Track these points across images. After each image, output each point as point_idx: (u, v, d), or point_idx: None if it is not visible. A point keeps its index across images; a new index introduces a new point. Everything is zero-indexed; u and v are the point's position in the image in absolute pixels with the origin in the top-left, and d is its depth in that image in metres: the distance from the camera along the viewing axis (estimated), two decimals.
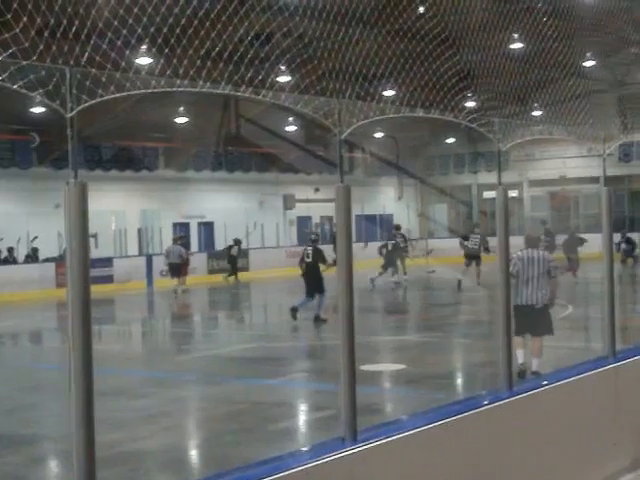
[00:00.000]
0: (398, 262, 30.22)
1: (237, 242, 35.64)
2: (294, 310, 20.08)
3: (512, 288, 10.46)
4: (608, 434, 7.49)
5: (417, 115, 7.03)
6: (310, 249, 20.54)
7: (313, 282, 20.08)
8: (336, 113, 5.36)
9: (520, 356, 12.00)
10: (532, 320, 11.99)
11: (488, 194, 45.44)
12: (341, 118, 5.43)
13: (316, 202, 43.50)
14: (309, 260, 20.35)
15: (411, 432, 5.42)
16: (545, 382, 7.02)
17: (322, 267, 19.96)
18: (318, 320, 19.64)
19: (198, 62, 5.89)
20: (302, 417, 11.78)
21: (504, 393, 6.44)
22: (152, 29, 5.71)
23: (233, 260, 35.37)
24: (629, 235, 37.93)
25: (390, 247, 29.90)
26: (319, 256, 20.16)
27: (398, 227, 32.32)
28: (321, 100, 5.54)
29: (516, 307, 11.45)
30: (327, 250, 19.81)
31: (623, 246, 36.28)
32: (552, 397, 6.88)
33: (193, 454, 10.25)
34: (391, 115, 6.43)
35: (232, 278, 34.73)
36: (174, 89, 5.07)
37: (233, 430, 10.46)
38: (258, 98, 5.83)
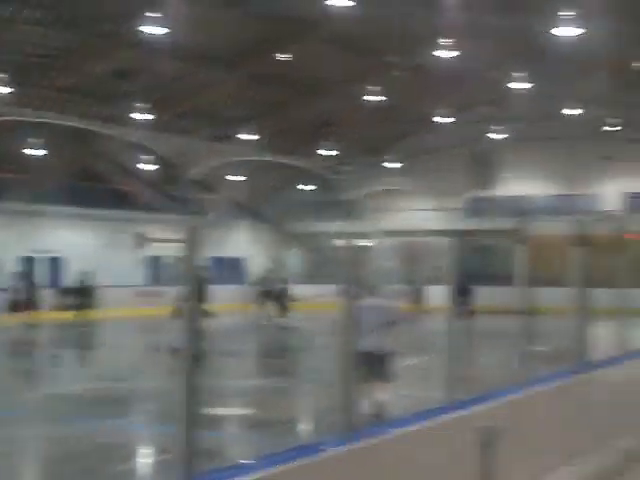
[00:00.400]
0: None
1: (84, 276, 34.86)
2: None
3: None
4: None
5: (270, 160, 7.10)
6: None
7: None
8: (188, 153, 5.36)
9: (365, 406, 12.01)
10: (374, 367, 12.19)
11: (341, 242, 45.95)
12: (193, 158, 5.43)
13: (168, 242, 43.13)
14: None
15: (247, 478, 5.38)
16: (385, 430, 7.10)
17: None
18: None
19: (54, 94, 5.82)
20: (144, 459, 11.60)
21: (344, 440, 6.48)
22: (9, 58, 5.63)
23: (81, 295, 34.51)
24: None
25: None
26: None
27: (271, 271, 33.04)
28: (174, 140, 5.53)
29: (358, 354, 11.55)
30: None
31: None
32: (391, 445, 6.95)
33: None
34: (244, 158, 6.47)
35: (79, 314, 33.83)
36: (24, 119, 5.00)
37: (73, 471, 10.22)
38: (109, 133, 5.77)
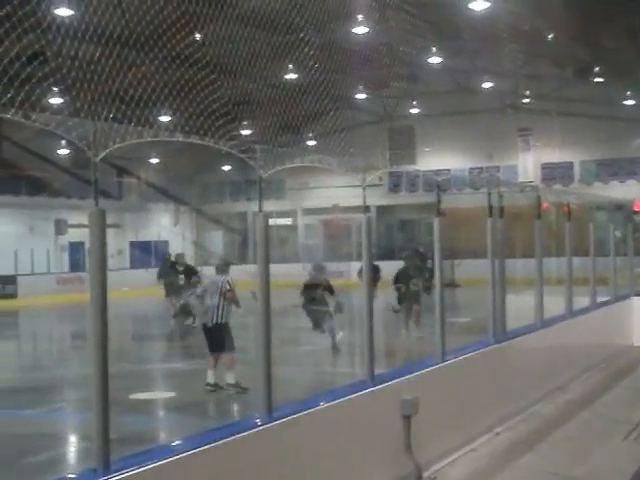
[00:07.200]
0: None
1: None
2: None
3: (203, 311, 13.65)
4: (366, 456, 7.67)
5: (186, 141, 7.01)
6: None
7: None
8: (91, 135, 5.26)
9: (210, 376, 13.59)
10: (218, 337, 13.41)
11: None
12: (96, 140, 5.33)
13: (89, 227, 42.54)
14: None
15: (165, 461, 5.34)
16: (305, 406, 7.10)
17: None
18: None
19: None
20: (64, 448, 11.41)
21: (264, 418, 6.48)
22: None
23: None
24: (375, 263, 38.04)
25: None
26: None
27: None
28: (88, 124, 5.41)
29: (204, 327, 13.65)
30: None
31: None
32: (312, 421, 6.97)
33: None
34: (149, 139, 6.38)
35: None
36: None
37: None
38: (19, 119, 5.62)
